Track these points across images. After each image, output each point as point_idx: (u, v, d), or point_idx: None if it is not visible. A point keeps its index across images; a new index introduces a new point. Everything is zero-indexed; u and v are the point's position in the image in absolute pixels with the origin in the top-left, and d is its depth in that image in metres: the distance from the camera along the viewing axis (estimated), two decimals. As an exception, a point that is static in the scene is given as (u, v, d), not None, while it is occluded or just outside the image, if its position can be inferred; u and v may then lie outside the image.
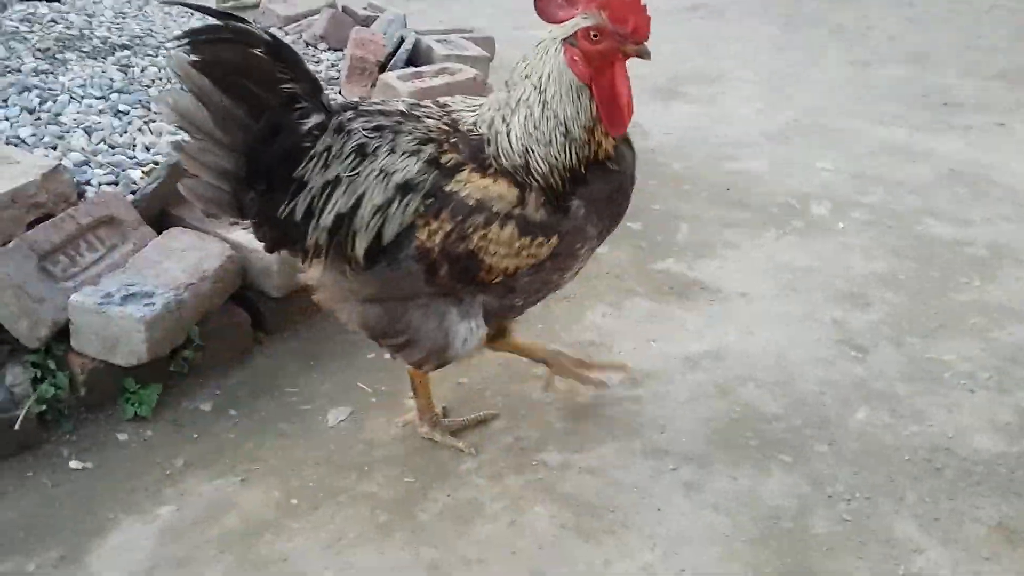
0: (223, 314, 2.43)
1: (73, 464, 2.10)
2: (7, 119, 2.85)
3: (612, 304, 2.81)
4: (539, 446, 2.21)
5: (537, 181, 1.77)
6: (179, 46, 1.68)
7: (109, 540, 1.92)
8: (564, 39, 1.72)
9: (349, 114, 1.84)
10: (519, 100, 1.77)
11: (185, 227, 2.54)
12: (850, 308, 2.82)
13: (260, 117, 1.76)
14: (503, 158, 1.78)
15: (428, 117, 1.87)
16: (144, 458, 2.14)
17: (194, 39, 1.69)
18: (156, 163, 2.81)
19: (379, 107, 1.89)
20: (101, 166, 2.72)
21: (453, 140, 1.81)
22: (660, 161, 3.88)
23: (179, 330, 2.27)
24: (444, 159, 1.78)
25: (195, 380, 2.38)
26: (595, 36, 1.70)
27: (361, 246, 1.80)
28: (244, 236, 2.49)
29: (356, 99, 1.96)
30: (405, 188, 1.77)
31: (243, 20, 1.74)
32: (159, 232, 2.52)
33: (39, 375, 2.14)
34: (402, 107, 1.89)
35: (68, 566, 1.86)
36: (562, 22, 1.73)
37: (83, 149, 2.76)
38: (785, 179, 3.84)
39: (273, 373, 2.46)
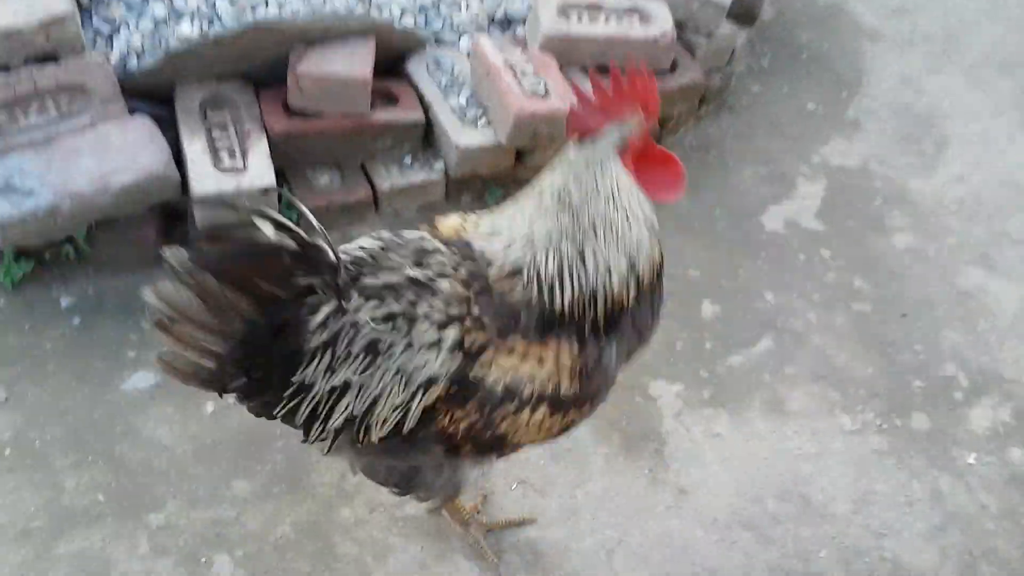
0: (130, 224, 2.42)
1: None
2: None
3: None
4: None
5: (604, 307, 1.56)
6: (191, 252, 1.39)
7: None
8: (617, 150, 1.56)
9: (355, 302, 1.53)
10: (595, 218, 1.54)
11: (157, 117, 2.48)
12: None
13: (264, 311, 1.48)
14: (567, 297, 1.54)
15: (442, 275, 1.57)
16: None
17: (209, 250, 1.41)
18: (218, 19, 2.70)
19: (384, 275, 1.56)
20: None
21: (476, 311, 1.55)
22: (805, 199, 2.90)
23: (53, 231, 2.32)
24: (467, 341, 1.54)
25: (82, 269, 2.46)
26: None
27: (376, 436, 1.59)
28: (200, 157, 2.41)
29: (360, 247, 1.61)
30: (428, 383, 1.55)
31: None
32: (149, 102, 2.51)
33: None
34: (411, 272, 1.56)
35: None
36: (595, 131, 1.55)
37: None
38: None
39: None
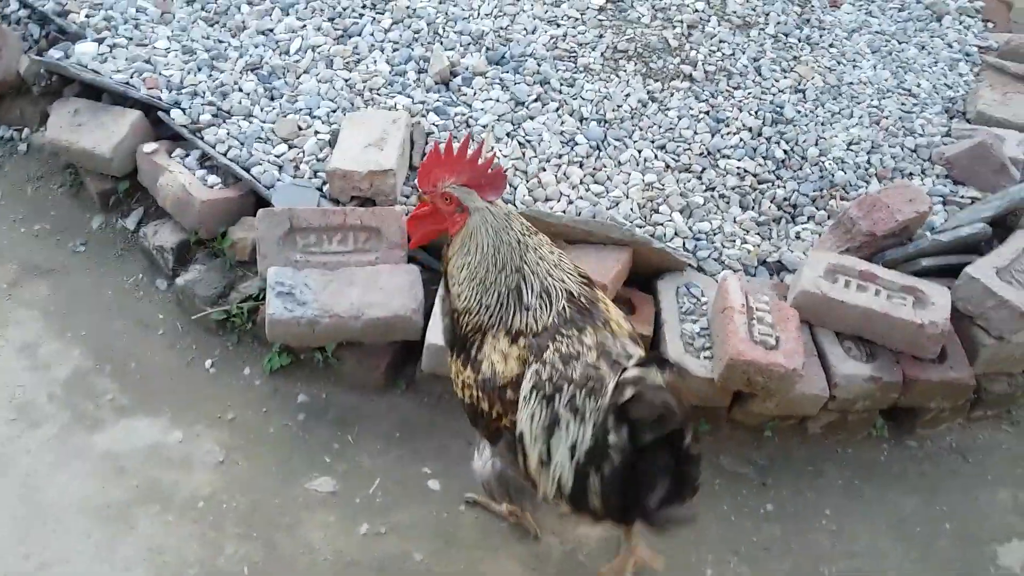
0: (371, 350, 2.79)
1: (207, 363, 2.88)
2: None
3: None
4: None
5: None
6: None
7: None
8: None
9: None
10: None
11: (425, 268, 2.86)
12: None
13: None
14: None
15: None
16: (225, 385, 2.80)
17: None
18: (512, 202, 3.07)
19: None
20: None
21: None
22: None
23: (309, 339, 2.74)
24: None
25: (324, 376, 2.85)
26: None
27: None
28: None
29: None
30: None
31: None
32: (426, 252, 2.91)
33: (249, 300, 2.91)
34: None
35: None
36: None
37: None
38: None
39: (370, 419, 2.75)
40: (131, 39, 3.55)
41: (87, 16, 3.63)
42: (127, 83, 3.34)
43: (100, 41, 3.52)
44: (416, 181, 2.16)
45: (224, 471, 2.57)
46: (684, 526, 1.90)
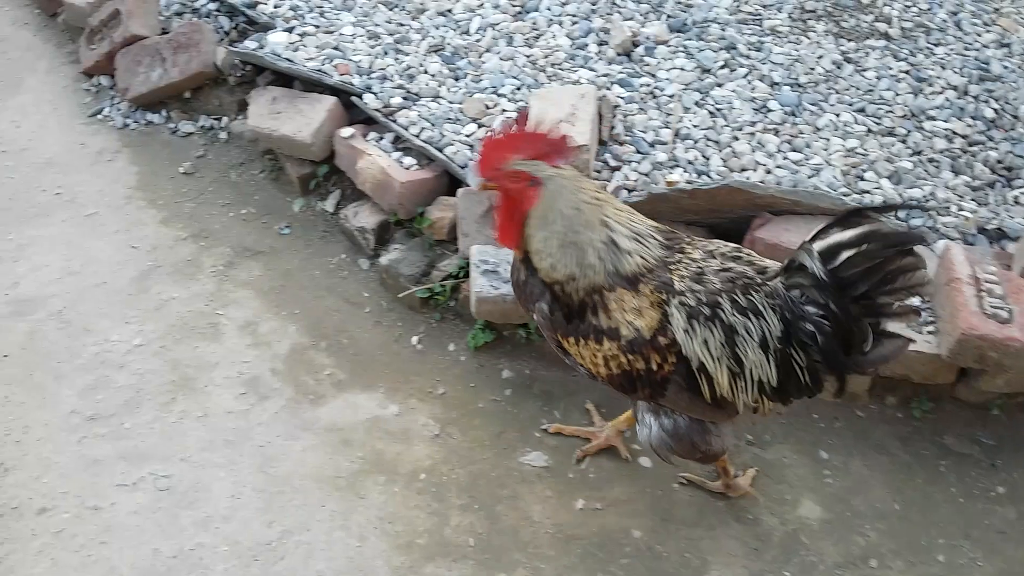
0: (574, 326, 2.80)
1: (413, 340, 2.97)
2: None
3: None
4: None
5: None
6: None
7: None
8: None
9: None
10: None
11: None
12: None
13: None
14: None
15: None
16: (422, 363, 2.87)
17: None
18: (707, 174, 3.03)
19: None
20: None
21: None
22: None
23: (513, 316, 2.78)
24: None
25: (527, 352, 2.89)
26: None
27: None
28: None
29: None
30: None
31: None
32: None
33: (450, 278, 2.98)
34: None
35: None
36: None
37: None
38: None
39: (574, 394, 2.77)
40: (318, 27, 3.65)
41: (275, 6, 3.76)
42: (320, 70, 3.44)
43: (290, 30, 3.64)
44: (477, 171, 2.09)
45: (441, 444, 2.65)
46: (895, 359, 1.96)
